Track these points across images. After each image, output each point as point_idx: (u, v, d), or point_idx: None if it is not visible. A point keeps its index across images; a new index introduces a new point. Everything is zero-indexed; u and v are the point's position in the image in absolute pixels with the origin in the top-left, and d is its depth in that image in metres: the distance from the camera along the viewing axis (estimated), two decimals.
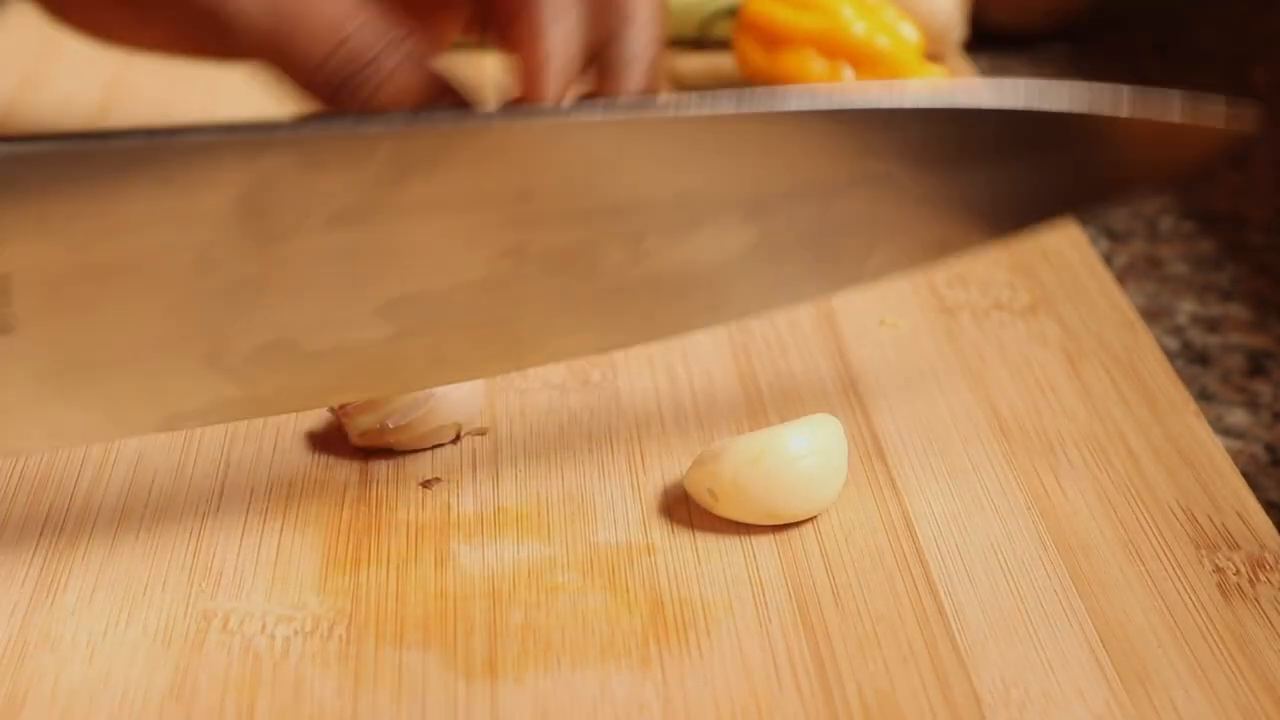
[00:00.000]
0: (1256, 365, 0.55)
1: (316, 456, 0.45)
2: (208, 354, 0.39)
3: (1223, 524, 0.44)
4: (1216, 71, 0.81)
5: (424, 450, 0.45)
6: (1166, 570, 0.42)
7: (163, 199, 0.37)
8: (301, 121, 0.38)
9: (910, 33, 0.68)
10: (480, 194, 0.39)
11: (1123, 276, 0.60)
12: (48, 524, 0.42)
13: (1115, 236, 0.64)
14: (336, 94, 0.41)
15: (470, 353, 0.42)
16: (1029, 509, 0.44)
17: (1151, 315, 0.58)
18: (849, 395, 0.49)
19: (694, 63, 0.74)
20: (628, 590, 0.41)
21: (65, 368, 0.38)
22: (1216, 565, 0.42)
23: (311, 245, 0.38)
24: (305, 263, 0.38)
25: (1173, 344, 0.56)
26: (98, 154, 0.36)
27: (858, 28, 0.67)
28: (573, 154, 0.39)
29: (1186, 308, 0.58)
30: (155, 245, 0.37)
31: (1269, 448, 0.50)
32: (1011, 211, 0.44)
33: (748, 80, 0.71)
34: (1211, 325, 0.57)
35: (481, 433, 0.46)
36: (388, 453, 0.45)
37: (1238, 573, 0.42)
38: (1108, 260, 0.61)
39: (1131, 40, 0.84)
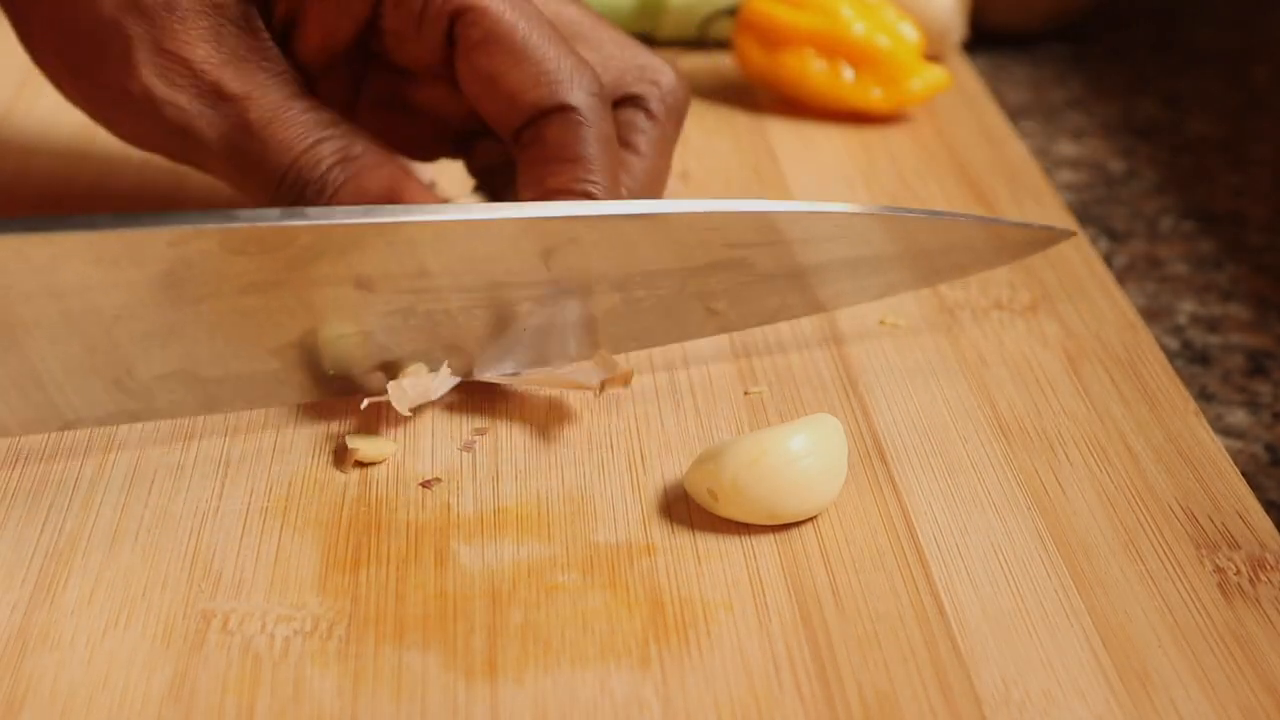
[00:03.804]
0: (1256, 365, 0.55)
1: (316, 456, 0.45)
2: (114, 379, 0.43)
3: (1223, 524, 0.44)
4: (1216, 71, 0.81)
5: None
6: (1167, 570, 0.42)
7: (92, 274, 0.41)
8: (230, 214, 0.41)
9: (910, 33, 0.68)
10: (382, 272, 0.44)
11: (1123, 276, 0.60)
12: (48, 524, 0.42)
13: (1115, 236, 0.64)
14: (293, 205, 0.46)
15: (345, 379, 0.46)
16: (1029, 509, 0.44)
17: (1151, 315, 0.58)
18: (849, 395, 0.49)
19: (694, 62, 0.74)
20: (628, 590, 0.41)
21: None
22: (1217, 565, 0.42)
23: (222, 306, 0.43)
24: (214, 317, 0.43)
25: (1173, 344, 0.56)
26: (33, 242, 0.40)
27: (858, 28, 0.67)
28: (468, 246, 0.44)
29: (1186, 308, 0.58)
30: (78, 307, 0.41)
31: (1269, 448, 0.50)
32: (852, 291, 0.50)
33: (748, 80, 0.71)
34: (1211, 325, 0.57)
35: (481, 432, 0.46)
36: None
37: (1238, 573, 0.42)
38: (1108, 260, 0.61)
39: (1131, 40, 0.84)
